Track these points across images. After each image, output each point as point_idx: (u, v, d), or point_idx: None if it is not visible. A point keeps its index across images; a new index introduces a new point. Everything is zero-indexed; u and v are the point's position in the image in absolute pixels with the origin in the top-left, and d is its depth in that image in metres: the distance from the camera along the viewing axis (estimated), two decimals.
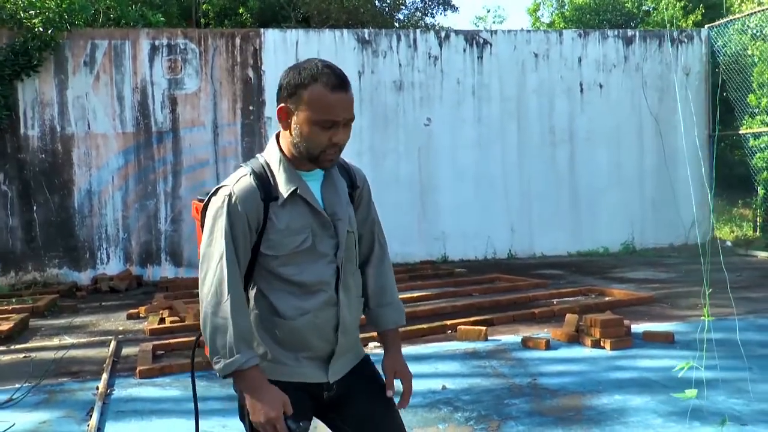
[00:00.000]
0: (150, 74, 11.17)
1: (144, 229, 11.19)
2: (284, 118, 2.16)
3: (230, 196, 2.12)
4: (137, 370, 5.80)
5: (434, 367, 5.83)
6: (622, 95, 13.52)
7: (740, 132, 15.32)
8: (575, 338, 6.48)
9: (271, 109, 11.47)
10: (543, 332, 6.87)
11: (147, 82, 11.16)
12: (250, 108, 11.54)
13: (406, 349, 6.48)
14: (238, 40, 11.49)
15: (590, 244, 13.21)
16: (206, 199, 2.21)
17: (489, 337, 6.69)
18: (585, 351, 6.23)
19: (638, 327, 6.91)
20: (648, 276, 10.65)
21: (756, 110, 15.20)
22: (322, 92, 2.09)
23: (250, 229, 2.14)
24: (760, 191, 15.20)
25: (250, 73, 11.53)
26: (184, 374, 5.78)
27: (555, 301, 8.47)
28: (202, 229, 2.21)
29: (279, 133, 2.24)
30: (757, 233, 15.16)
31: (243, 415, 2.21)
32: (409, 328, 6.86)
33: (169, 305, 8.46)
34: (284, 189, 2.16)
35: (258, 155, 2.27)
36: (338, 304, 2.23)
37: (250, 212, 2.12)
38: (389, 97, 12.15)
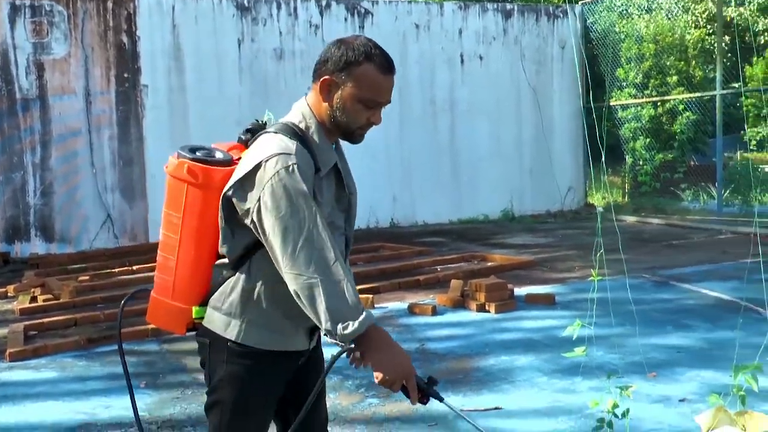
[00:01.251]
0: (12, 37, 10.42)
1: (10, 203, 10.52)
2: (326, 90, 2.15)
3: (297, 165, 2.04)
4: (7, 353, 5.46)
5: (323, 337, 5.79)
6: (501, 67, 13.82)
7: (610, 104, 16.02)
8: (461, 303, 6.62)
9: (147, 76, 11.01)
10: (429, 298, 6.97)
11: (8, 45, 10.41)
12: (125, 75, 11.02)
13: None
14: (110, 4, 10.90)
15: (471, 211, 13.50)
16: (253, 167, 2.06)
17: (375, 305, 6.72)
18: (471, 315, 6.37)
19: (521, 290, 7.13)
20: (527, 241, 11.00)
21: (624, 83, 15.93)
22: (374, 73, 2.13)
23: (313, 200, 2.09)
24: (628, 159, 15.99)
25: (125, 38, 10.99)
26: (61, 354, 5.51)
27: (439, 267, 8.61)
28: (194, 190, 2.13)
29: (308, 101, 2.21)
30: (626, 199, 15.97)
31: (216, 400, 2.20)
32: None
33: (41, 283, 8.02)
34: (326, 162, 2.16)
35: (286, 122, 2.18)
36: None
37: (309, 183, 2.07)
38: (270, 65, 11.90)
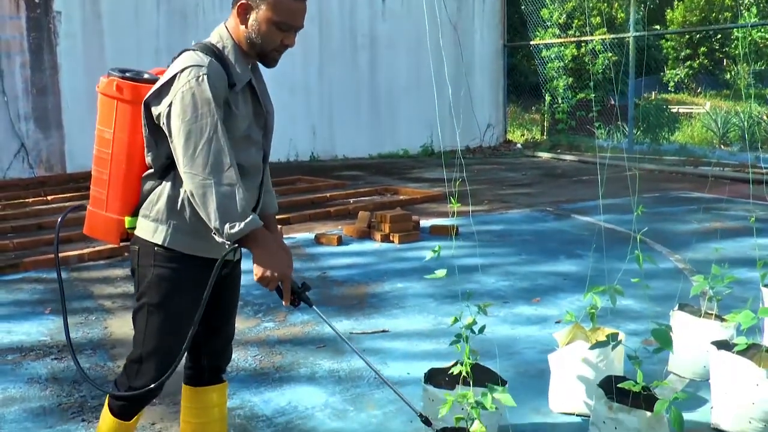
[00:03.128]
0: None
1: None
2: (243, 13, 2.29)
3: (207, 75, 2.19)
4: None
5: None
6: (422, 2, 13.80)
7: (531, 43, 16.26)
8: (367, 234, 6.83)
9: (60, 2, 10.68)
10: (337, 229, 7.17)
11: None
12: (36, 1, 10.66)
13: None
14: None
15: (391, 146, 13.69)
16: (170, 77, 2.21)
17: (284, 236, 6.88)
18: (375, 245, 6.60)
19: (426, 222, 7.38)
20: (442, 176, 11.26)
21: (548, 23, 16.17)
22: None
23: (219, 109, 2.22)
24: (547, 98, 16.35)
25: None
26: None
27: (351, 200, 8.80)
28: (124, 106, 2.29)
29: (226, 25, 2.35)
30: (544, 136, 16.39)
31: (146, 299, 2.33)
32: None
33: None
34: (241, 77, 2.30)
35: (205, 42, 2.32)
36: (261, 188, 2.48)
37: (220, 94, 2.22)
38: None
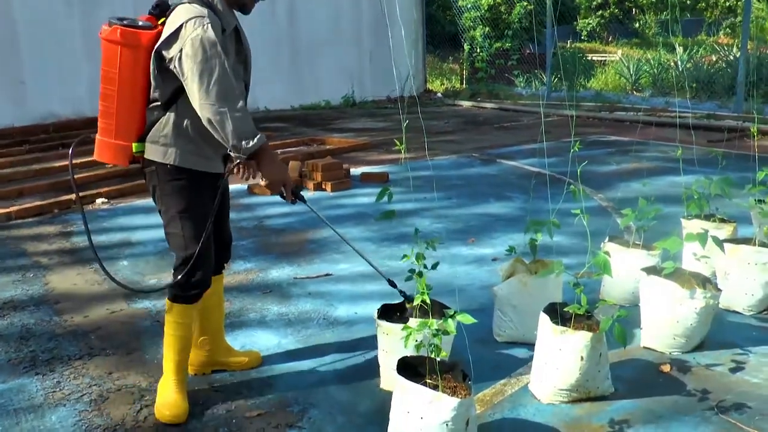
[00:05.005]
0: None
1: None
2: None
3: (210, 23, 2.63)
4: None
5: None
6: None
7: None
8: (299, 183, 6.86)
9: None
10: None
11: None
12: None
13: (135, 202, 6.46)
14: None
15: (313, 97, 13.63)
16: (177, 27, 2.62)
17: None
18: (308, 194, 6.64)
19: (357, 170, 7.46)
20: (366, 126, 11.33)
21: None
22: None
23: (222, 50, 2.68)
24: (466, 47, 16.52)
25: None
26: None
27: (279, 152, 8.78)
28: (126, 49, 2.68)
29: None
30: (464, 85, 16.59)
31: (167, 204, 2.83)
32: (135, 183, 6.79)
33: None
34: (229, 24, 2.77)
35: None
36: None
37: (219, 38, 2.64)
38: None
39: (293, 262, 4.80)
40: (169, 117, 2.76)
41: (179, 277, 2.84)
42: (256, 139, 2.66)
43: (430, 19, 19.17)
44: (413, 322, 2.80)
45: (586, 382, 2.90)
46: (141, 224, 5.76)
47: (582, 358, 2.86)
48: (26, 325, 3.83)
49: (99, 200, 6.34)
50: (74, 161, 2.89)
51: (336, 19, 13.79)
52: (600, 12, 30.29)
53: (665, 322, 3.35)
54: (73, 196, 6.30)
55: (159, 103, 2.76)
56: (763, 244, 3.82)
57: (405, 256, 3.07)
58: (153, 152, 2.79)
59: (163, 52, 2.66)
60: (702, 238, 3.38)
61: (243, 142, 2.63)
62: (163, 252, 4.98)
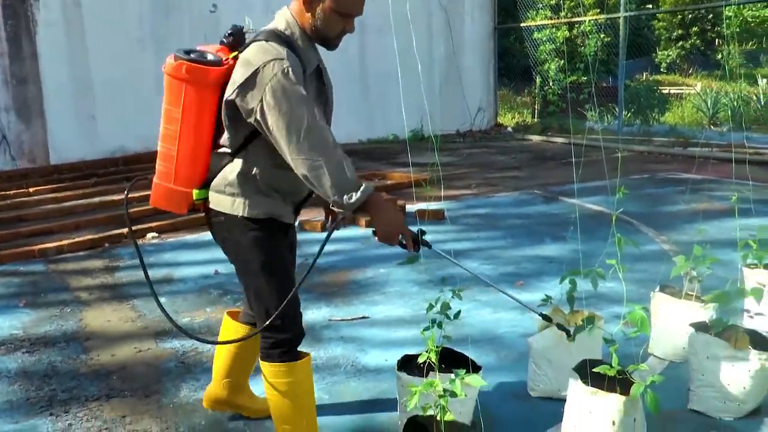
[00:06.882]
0: None
1: None
2: (309, 2, 2.47)
3: (290, 67, 2.35)
4: None
5: (211, 254, 5.86)
6: None
7: (523, 25, 16.13)
8: (351, 220, 6.75)
9: None
10: (321, 216, 7.07)
11: None
12: None
13: (185, 238, 6.47)
14: None
15: (381, 131, 13.59)
16: (252, 72, 2.34)
17: None
18: (359, 231, 6.52)
19: (413, 207, 7.30)
20: (431, 160, 11.17)
21: (540, 5, 16.04)
22: None
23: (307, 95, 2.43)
24: (538, 81, 16.25)
25: None
26: None
27: None
28: (192, 88, 2.43)
29: (291, 10, 2.53)
30: (535, 119, 16.29)
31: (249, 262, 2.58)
32: (188, 217, 6.81)
33: None
34: (310, 63, 2.51)
35: (272, 30, 2.49)
36: None
37: (300, 81, 2.38)
38: None
39: (331, 303, 4.66)
40: (236, 164, 2.51)
41: (282, 337, 2.59)
42: (360, 193, 2.36)
43: (506, 53, 18.99)
44: (433, 375, 2.62)
45: None
46: (186, 260, 5.74)
47: (614, 423, 2.61)
48: (53, 362, 3.80)
49: (149, 235, 6.37)
50: (133, 194, 2.73)
51: (407, 53, 13.75)
52: (680, 43, 29.50)
53: (715, 384, 3.05)
54: (125, 230, 6.35)
55: (226, 149, 2.53)
56: None
57: (430, 304, 2.91)
58: (219, 202, 2.55)
59: (238, 102, 2.38)
60: (757, 293, 3.08)
61: (345, 197, 2.35)
62: (201, 290, 4.92)
